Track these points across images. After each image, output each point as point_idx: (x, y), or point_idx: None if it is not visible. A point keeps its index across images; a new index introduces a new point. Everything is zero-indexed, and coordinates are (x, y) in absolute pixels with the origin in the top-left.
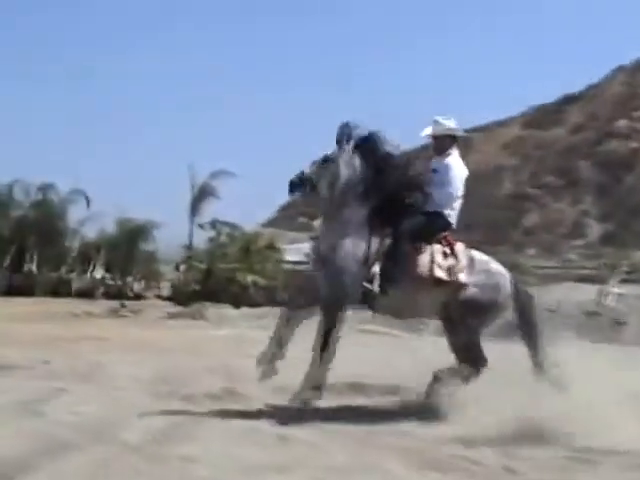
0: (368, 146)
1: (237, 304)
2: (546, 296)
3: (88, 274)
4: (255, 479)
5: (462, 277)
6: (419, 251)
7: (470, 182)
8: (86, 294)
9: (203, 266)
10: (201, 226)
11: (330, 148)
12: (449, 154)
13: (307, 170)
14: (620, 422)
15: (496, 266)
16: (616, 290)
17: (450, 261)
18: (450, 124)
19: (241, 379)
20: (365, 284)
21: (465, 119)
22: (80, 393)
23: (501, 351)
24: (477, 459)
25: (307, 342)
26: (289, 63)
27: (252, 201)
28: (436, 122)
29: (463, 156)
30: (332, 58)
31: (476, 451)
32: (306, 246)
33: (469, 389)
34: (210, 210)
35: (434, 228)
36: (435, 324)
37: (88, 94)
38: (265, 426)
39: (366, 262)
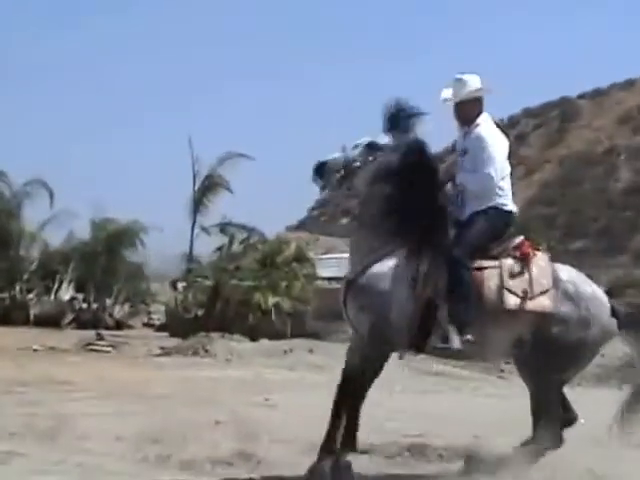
0: (419, 147)
1: (254, 335)
2: None
3: (52, 295)
4: None
5: (544, 302)
6: (483, 272)
7: (569, 170)
8: (49, 322)
9: (209, 283)
10: (206, 230)
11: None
12: (478, 124)
13: (348, 151)
14: None
15: (591, 289)
16: None
17: (524, 280)
18: (476, 83)
19: (259, 437)
20: (441, 345)
21: (566, 82)
22: (37, 458)
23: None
24: None
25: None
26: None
27: (275, 197)
28: (459, 81)
29: (562, 130)
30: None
31: None
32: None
33: None
34: (219, 208)
35: (492, 228)
36: None
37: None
38: None
39: (415, 287)
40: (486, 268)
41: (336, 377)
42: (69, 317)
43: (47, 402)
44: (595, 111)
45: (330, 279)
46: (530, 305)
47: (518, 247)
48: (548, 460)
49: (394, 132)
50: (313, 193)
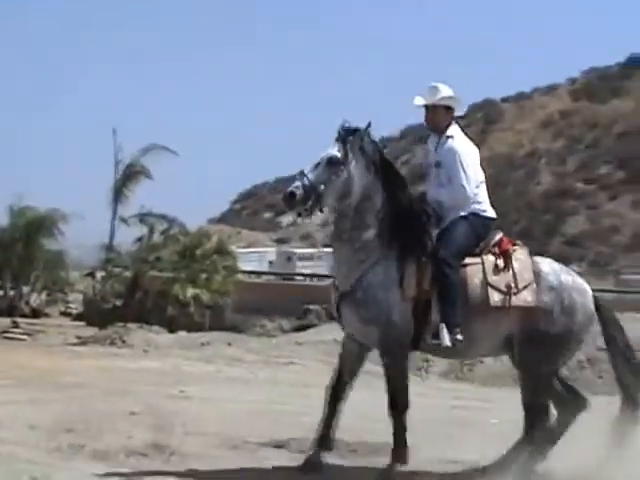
0: (379, 152)
1: (172, 327)
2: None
3: None
4: None
5: (528, 297)
6: (466, 270)
7: (493, 172)
8: None
9: (128, 274)
10: (124, 220)
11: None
12: (449, 136)
13: (308, 174)
14: None
15: (572, 279)
16: None
17: (507, 276)
18: (448, 91)
19: (175, 429)
20: (434, 341)
21: (491, 85)
22: None
23: None
24: None
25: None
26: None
27: (198, 190)
28: (432, 88)
29: (486, 132)
30: None
31: None
32: (270, 251)
33: None
34: (139, 198)
35: (475, 233)
36: (443, 363)
37: None
38: None
39: (403, 290)
40: (468, 265)
41: (252, 370)
42: None
43: None
44: (518, 114)
45: (251, 273)
46: (515, 300)
47: (498, 243)
48: (460, 457)
49: (346, 144)
50: (236, 186)
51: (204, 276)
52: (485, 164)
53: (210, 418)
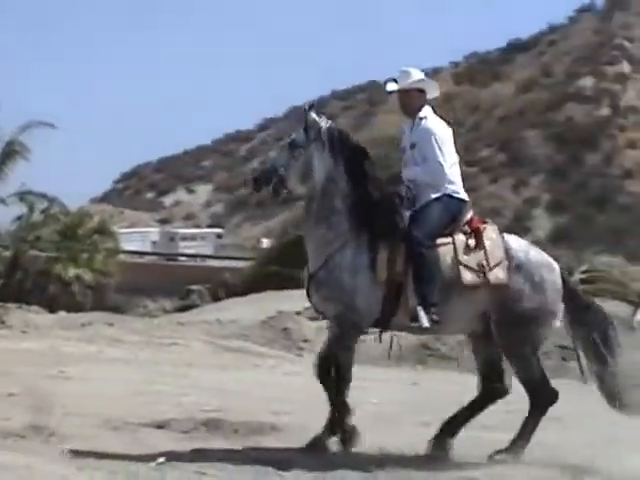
0: (341, 135)
1: (53, 307)
2: None
3: None
4: None
5: (499, 274)
6: (438, 250)
7: (377, 152)
8: None
9: (7, 253)
10: (2, 200)
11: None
12: (422, 117)
13: (274, 160)
14: None
15: (540, 255)
16: None
17: (479, 255)
18: (419, 75)
19: (54, 410)
20: (413, 324)
21: (376, 67)
22: None
23: None
24: None
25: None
26: None
27: (79, 169)
28: (403, 73)
29: (370, 114)
30: None
31: None
32: (153, 231)
33: None
34: (19, 177)
35: (447, 213)
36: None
37: None
38: (84, 476)
39: (375, 273)
40: (440, 245)
41: (133, 351)
42: None
43: None
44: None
45: (133, 253)
46: (489, 277)
47: (468, 222)
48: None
49: (308, 129)
50: (120, 165)
51: (85, 256)
52: (370, 145)
53: (90, 399)
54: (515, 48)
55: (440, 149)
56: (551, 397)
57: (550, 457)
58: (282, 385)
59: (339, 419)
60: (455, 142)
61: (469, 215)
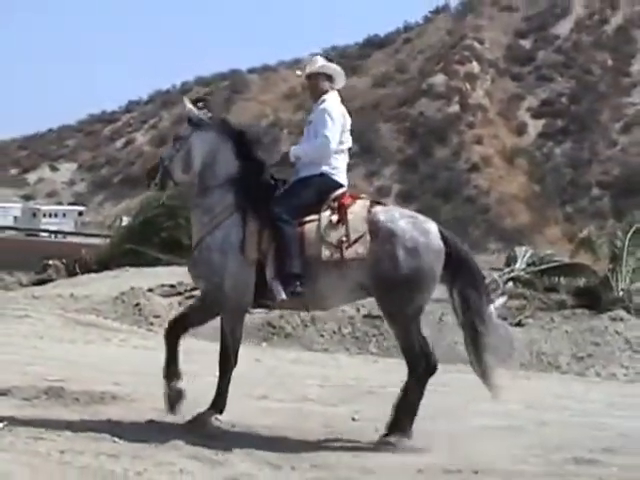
0: (220, 122)
1: None
2: None
3: None
4: None
5: (358, 249)
6: (303, 227)
7: None
8: None
9: None
10: None
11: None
12: (324, 100)
13: (162, 154)
14: None
15: (412, 221)
16: None
17: (340, 231)
18: (324, 61)
19: None
20: (270, 299)
21: (238, 56)
22: None
23: None
24: None
25: None
26: None
27: None
28: (312, 60)
29: (231, 101)
30: None
31: (192, 478)
32: (16, 206)
33: None
34: None
35: (315, 191)
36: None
37: None
38: None
39: (245, 253)
40: (307, 222)
41: None
42: None
43: None
44: (263, 86)
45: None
46: (347, 254)
47: (337, 198)
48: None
49: (192, 120)
50: None
51: None
52: None
53: None
54: (372, 44)
55: (330, 127)
56: (430, 368)
57: None
58: (130, 358)
59: (167, 379)
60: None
61: (340, 191)
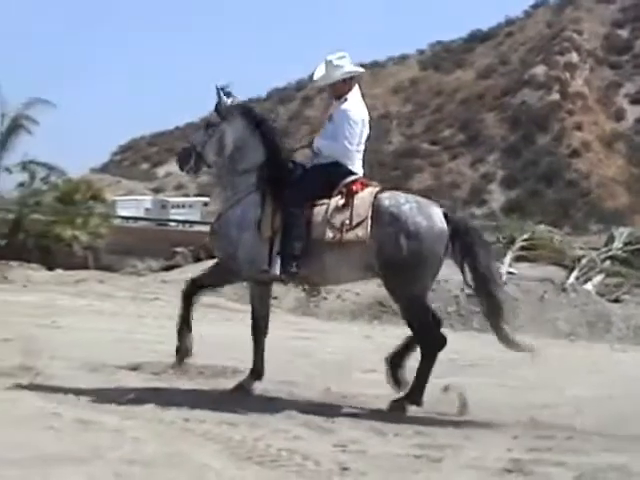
0: (248, 111)
1: (52, 265)
2: None
3: None
4: (43, 472)
5: (359, 232)
6: (313, 209)
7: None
8: None
9: (11, 216)
10: (8, 170)
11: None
12: (346, 99)
13: (192, 139)
14: None
15: (416, 206)
16: (510, 269)
17: (345, 214)
18: (345, 64)
19: (42, 354)
20: (265, 267)
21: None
22: None
23: None
24: (307, 453)
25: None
26: None
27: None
28: (329, 64)
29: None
30: None
31: (306, 443)
32: (146, 199)
33: None
34: (25, 148)
35: (328, 178)
36: (291, 300)
37: None
38: (62, 409)
39: (260, 229)
40: (317, 206)
41: (120, 304)
42: None
43: None
44: (372, 81)
45: (128, 218)
46: (347, 236)
47: (348, 184)
48: (292, 379)
49: (220, 108)
50: (118, 137)
51: (81, 220)
52: None
53: (76, 345)
54: (476, 38)
55: (350, 132)
56: (439, 342)
57: None
58: (249, 336)
59: (180, 334)
60: (413, 123)
61: (352, 178)
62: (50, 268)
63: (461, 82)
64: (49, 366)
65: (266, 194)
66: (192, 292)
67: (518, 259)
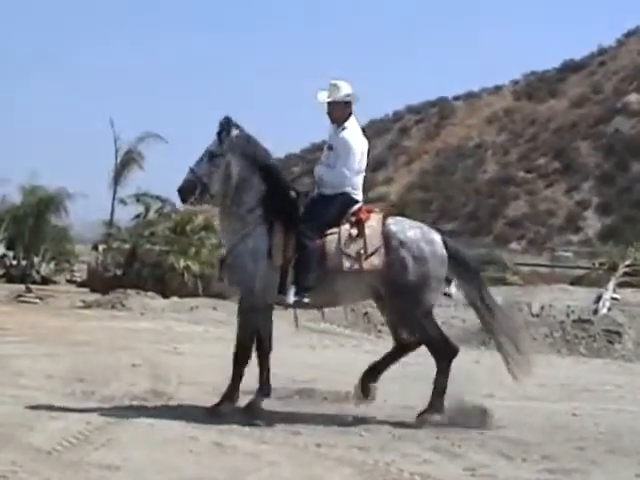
0: (250, 142)
1: (166, 293)
2: (529, 299)
3: None
4: None
5: (374, 261)
6: (325, 239)
7: (444, 161)
8: None
9: (126, 247)
10: (123, 201)
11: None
12: (345, 127)
13: (195, 169)
14: None
15: (420, 232)
16: (613, 295)
17: (359, 243)
18: (347, 89)
19: (168, 379)
20: (280, 295)
21: (444, 85)
22: None
23: None
24: (438, 477)
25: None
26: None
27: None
28: (334, 86)
29: (439, 126)
30: None
31: (436, 467)
32: None
33: None
34: (136, 181)
35: (337, 209)
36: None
37: None
38: (199, 433)
39: (272, 258)
40: (328, 235)
41: (235, 331)
42: (0, 272)
43: None
44: (467, 111)
45: None
46: (364, 265)
47: (355, 213)
48: (412, 404)
49: (222, 138)
50: None
51: (193, 249)
52: (438, 154)
53: (200, 370)
54: (569, 68)
55: (349, 161)
56: (451, 353)
57: None
58: (364, 361)
59: (232, 385)
60: (508, 152)
61: (357, 206)
62: (165, 296)
63: (555, 111)
64: (179, 391)
65: (274, 223)
66: (245, 361)
67: (621, 285)
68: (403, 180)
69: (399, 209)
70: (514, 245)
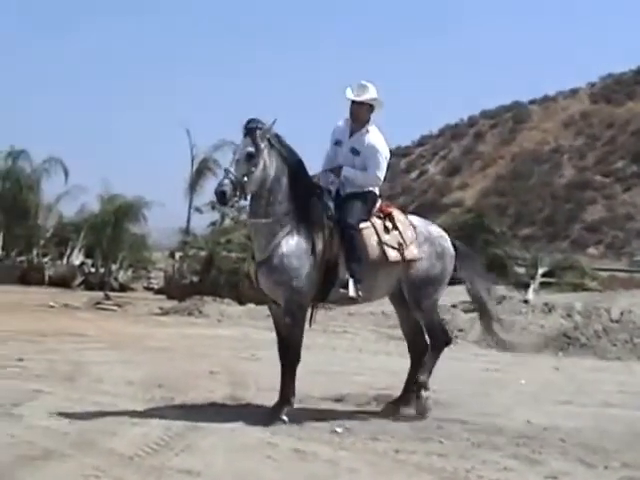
0: (280, 141)
1: (242, 300)
2: (609, 304)
3: (65, 259)
4: None
5: (414, 251)
6: (362, 233)
7: (520, 166)
8: (62, 283)
9: (203, 254)
10: (199, 210)
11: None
12: (368, 131)
13: (231, 171)
14: None
15: (436, 229)
16: None
17: (396, 235)
18: (374, 93)
19: (246, 385)
20: (342, 290)
21: (520, 89)
22: (60, 396)
23: None
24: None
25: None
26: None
27: None
28: (363, 87)
29: (515, 131)
30: None
31: (517, 474)
32: None
33: None
34: (212, 189)
35: (369, 204)
36: (475, 333)
37: (68, 50)
38: (278, 439)
39: (315, 256)
40: (363, 229)
41: (311, 337)
42: (79, 279)
43: (64, 351)
44: (543, 115)
45: None
46: (406, 255)
47: (379, 208)
48: (492, 411)
49: (253, 138)
50: None
51: None
52: (514, 159)
53: (276, 376)
54: None
55: (381, 165)
56: (446, 340)
57: None
58: (441, 368)
59: (288, 386)
60: (585, 155)
61: (380, 202)
62: (241, 302)
63: (633, 113)
64: (257, 397)
65: (311, 221)
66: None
67: None
68: (478, 185)
69: (477, 214)
70: (592, 250)
